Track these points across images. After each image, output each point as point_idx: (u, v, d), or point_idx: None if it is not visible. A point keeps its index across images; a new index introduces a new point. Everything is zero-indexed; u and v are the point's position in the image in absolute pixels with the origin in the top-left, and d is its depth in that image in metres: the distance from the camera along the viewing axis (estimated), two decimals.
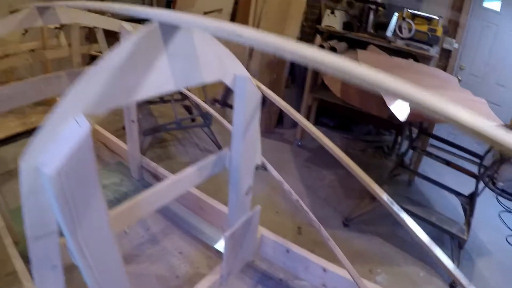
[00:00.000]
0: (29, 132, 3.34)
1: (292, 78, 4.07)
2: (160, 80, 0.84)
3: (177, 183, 1.19)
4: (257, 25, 3.94)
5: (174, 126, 3.03)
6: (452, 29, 3.54)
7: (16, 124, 3.17)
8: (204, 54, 0.98)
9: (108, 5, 1.02)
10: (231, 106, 4.06)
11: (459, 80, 3.63)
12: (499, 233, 2.66)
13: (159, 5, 6.14)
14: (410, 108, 2.08)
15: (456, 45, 3.56)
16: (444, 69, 3.68)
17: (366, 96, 2.49)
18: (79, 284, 1.02)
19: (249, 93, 1.21)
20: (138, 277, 1.82)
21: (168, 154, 3.08)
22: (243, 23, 4.17)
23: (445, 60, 3.69)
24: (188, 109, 3.58)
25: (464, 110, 0.44)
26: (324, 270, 1.62)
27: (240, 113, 1.23)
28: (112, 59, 0.75)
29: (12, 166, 2.89)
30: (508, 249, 2.50)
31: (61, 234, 0.85)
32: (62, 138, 0.71)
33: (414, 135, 2.79)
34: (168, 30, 0.83)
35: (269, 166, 1.58)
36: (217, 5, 4.37)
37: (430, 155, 2.59)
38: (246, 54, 3.96)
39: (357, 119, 4.01)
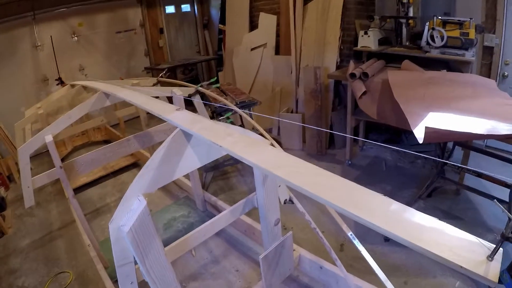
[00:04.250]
0: (108, 175, 4.04)
1: (339, 100, 4.32)
2: (189, 163, 1.29)
3: (215, 223, 1.62)
4: (299, 54, 4.32)
5: (232, 162, 3.47)
6: (491, 25, 3.49)
7: (99, 169, 3.86)
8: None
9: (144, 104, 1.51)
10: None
11: (505, 76, 3.57)
12: None
13: (212, 44, 6.86)
14: (430, 130, 2.25)
15: (497, 41, 3.50)
16: (489, 66, 3.61)
17: (401, 116, 2.64)
18: None
19: None
20: None
21: (230, 186, 3.56)
22: (286, 54, 4.60)
23: (489, 57, 3.62)
24: None
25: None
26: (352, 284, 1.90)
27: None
28: (156, 156, 1.22)
29: (98, 205, 3.55)
30: None
31: (135, 263, 1.32)
32: (131, 210, 1.19)
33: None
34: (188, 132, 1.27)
35: (295, 200, 1.94)
36: (262, 41, 4.86)
37: (461, 169, 2.69)
38: (293, 83, 4.36)
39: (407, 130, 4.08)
